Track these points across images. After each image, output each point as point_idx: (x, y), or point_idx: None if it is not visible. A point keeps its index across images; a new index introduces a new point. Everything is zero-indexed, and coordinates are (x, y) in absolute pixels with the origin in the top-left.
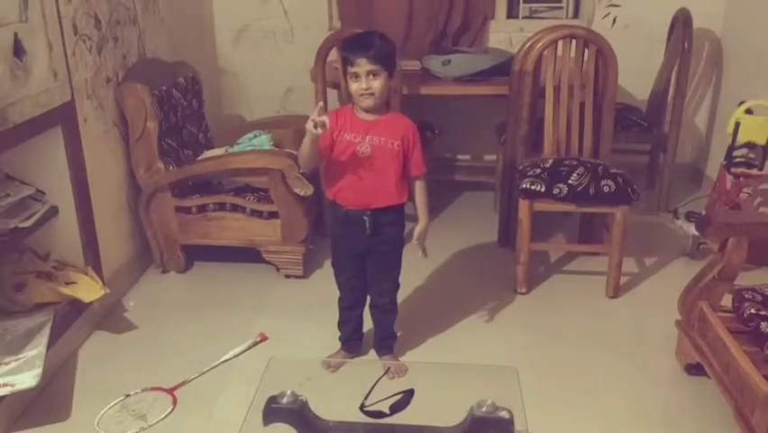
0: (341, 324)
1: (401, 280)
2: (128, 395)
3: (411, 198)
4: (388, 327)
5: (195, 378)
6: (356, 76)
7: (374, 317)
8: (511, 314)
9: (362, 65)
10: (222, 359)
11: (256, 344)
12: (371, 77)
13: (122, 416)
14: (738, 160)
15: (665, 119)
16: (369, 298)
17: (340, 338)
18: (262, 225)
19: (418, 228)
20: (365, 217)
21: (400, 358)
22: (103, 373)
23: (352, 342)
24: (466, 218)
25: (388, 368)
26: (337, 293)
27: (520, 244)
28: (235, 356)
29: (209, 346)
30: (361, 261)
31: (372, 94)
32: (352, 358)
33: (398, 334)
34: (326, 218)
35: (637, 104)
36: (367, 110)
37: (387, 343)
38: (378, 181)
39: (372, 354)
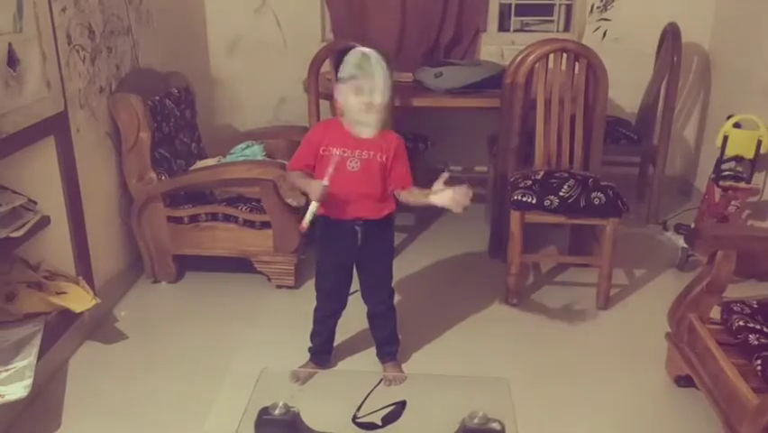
0: (314, 335)
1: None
2: None
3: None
4: (390, 330)
5: None
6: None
7: (374, 325)
8: (502, 325)
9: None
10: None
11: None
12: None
13: None
14: (726, 173)
15: (654, 132)
16: (366, 308)
17: (310, 349)
18: (254, 236)
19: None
20: (357, 228)
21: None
22: (93, 384)
23: (320, 354)
24: (457, 229)
25: (380, 379)
26: None
27: (511, 256)
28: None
29: (200, 357)
30: (349, 271)
31: None
32: (321, 369)
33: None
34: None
35: (627, 116)
36: None
37: (390, 349)
38: (367, 194)
39: (367, 364)
